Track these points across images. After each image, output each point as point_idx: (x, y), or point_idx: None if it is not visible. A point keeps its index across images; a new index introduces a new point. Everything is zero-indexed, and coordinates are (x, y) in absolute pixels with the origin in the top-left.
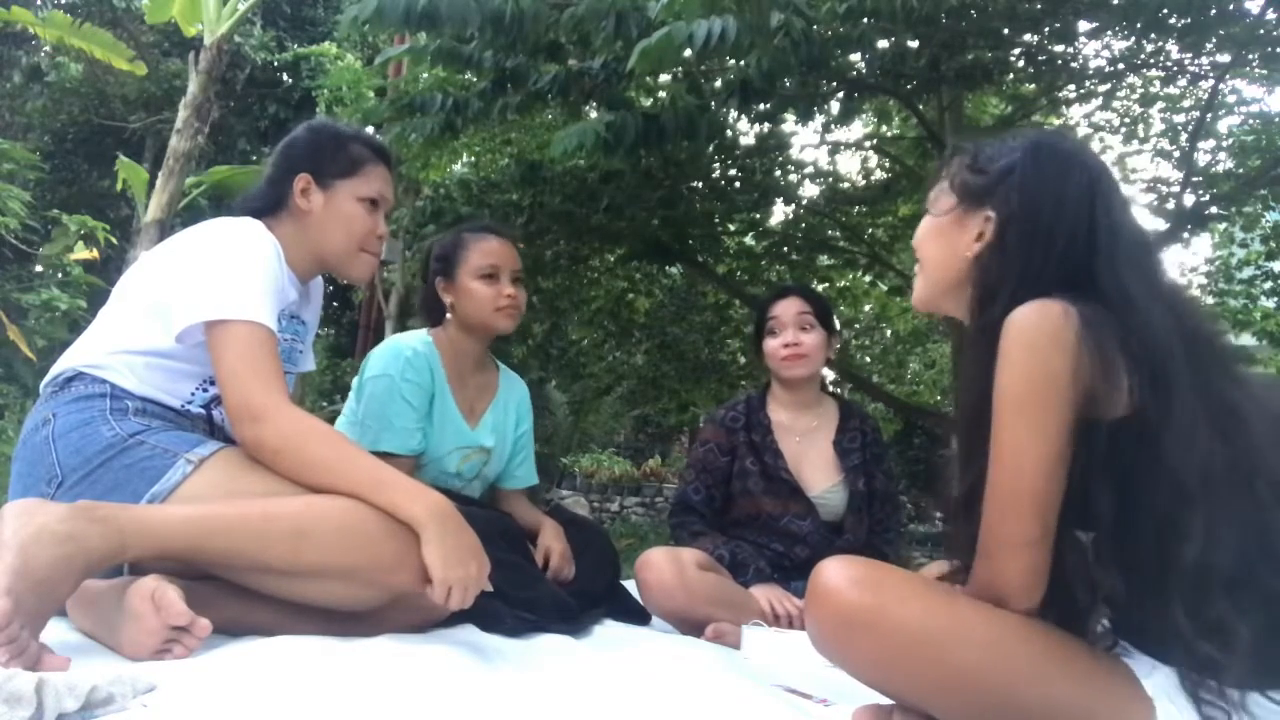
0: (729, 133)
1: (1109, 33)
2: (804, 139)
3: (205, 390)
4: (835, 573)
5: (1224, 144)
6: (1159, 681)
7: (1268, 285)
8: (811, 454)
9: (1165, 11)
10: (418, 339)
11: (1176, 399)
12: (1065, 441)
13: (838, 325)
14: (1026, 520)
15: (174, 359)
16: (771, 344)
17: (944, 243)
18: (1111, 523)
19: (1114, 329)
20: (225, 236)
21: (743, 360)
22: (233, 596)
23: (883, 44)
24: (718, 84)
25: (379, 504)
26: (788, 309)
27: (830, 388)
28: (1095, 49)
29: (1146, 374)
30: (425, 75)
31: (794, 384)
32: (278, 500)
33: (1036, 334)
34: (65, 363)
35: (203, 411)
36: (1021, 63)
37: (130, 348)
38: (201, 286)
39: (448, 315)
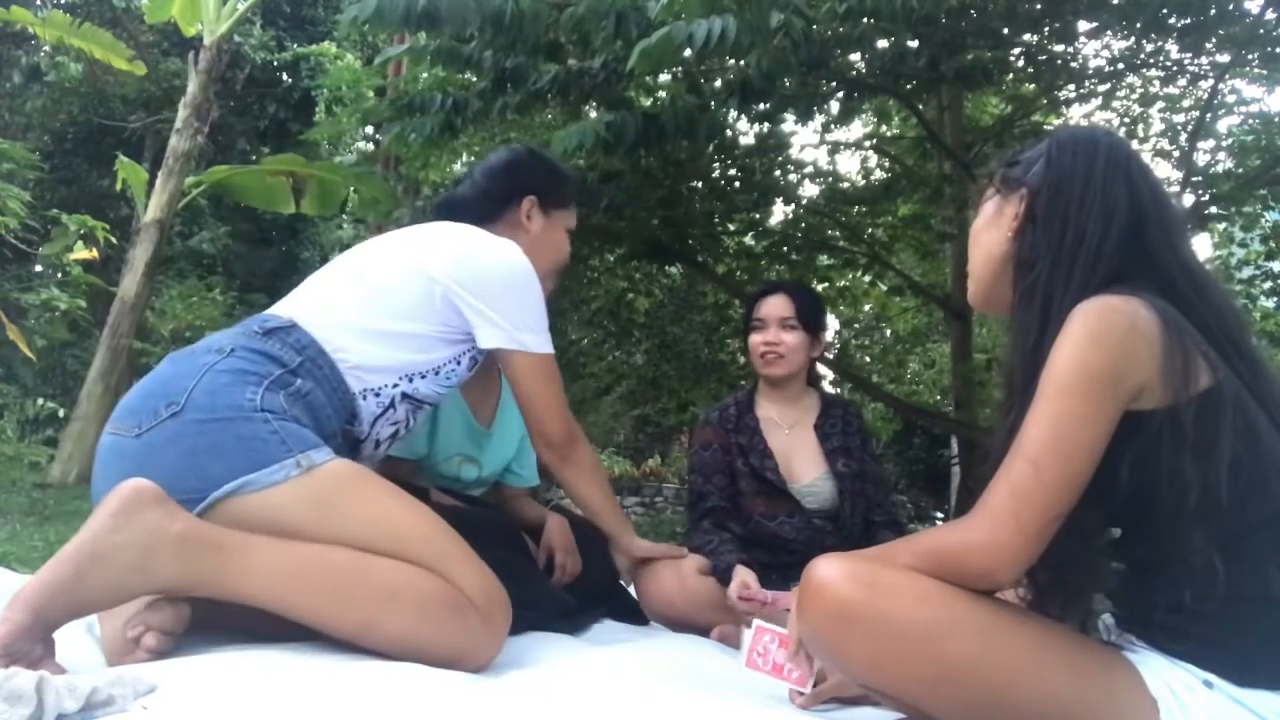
0: (729, 132)
1: (1109, 33)
2: (804, 139)
3: (396, 386)
4: (827, 568)
5: (1223, 144)
6: (1165, 680)
7: (1267, 285)
8: (800, 444)
9: (1165, 11)
10: None
11: (1251, 365)
12: (1109, 432)
13: (834, 324)
14: (1055, 501)
15: (414, 350)
16: (753, 340)
17: (986, 234)
18: (1172, 508)
19: (1184, 321)
20: (513, 259)
21: (742, 360)
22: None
23: (883, 44)
24: (717, 84)
25: (609, 528)
26: (772, 309)
27: (825, 385)
28: (1095, 49)
29: (1230, 348)
30: (425, 75)
31: (776, 381)
32: (359, 574)
33: (1107, 327)
34: (290, 312)
35: (378, 409)
36: (1021, 63)
37: (367, 326)
38: (517, 315)
39: None
